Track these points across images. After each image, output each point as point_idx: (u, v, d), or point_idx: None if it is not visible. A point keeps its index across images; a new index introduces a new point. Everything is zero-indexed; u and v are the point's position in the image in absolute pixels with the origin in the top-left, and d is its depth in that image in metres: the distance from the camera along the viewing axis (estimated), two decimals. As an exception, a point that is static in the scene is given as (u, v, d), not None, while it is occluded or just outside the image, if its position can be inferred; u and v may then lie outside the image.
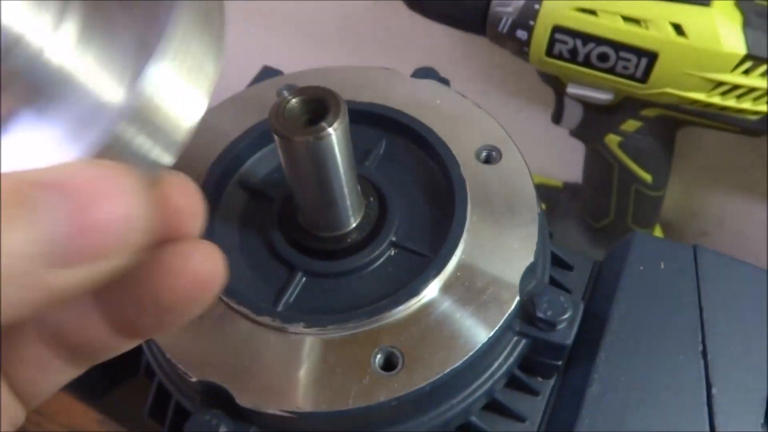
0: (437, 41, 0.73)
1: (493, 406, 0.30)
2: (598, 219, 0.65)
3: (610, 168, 0.59)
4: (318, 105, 0.25)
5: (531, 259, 0.29)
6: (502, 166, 0.31)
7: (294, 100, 0.25)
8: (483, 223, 0.30)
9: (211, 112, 0.35)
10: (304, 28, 0.83)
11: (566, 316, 0.28)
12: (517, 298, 0.27)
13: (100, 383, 0.38)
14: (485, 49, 0.70)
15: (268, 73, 0.41)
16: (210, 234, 0.30)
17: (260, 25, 0.85)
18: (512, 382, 0.31)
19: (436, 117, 0.33)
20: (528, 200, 0.30)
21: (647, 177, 0.58)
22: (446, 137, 0.32)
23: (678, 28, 0.46)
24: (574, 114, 0.58)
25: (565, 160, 0.73)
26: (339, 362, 0.26)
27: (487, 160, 0.32)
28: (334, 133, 0.25)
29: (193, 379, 0.26)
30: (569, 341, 0.28)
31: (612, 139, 0.57)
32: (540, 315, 0.28)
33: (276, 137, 0.25)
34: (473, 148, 0.32)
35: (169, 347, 0.27)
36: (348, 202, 0.29)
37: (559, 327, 0.28)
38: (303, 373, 0.26)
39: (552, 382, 0.32)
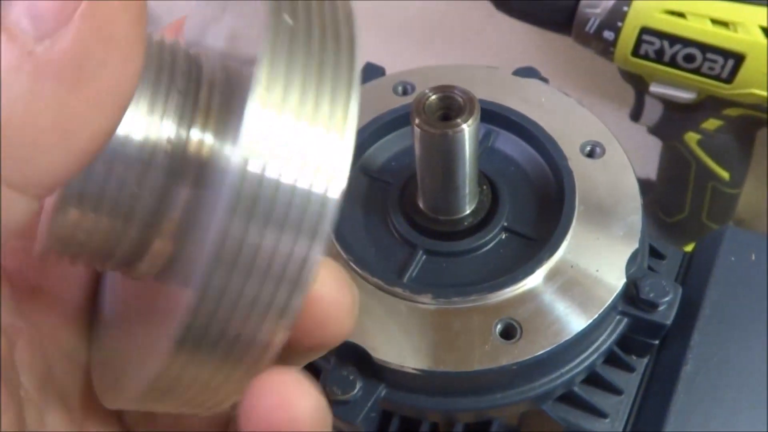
0: (512, 39, 0.75)
1: (593, 379, 0.33)
2: (672, 215, 0.66)
3: (687, 165, 0.61)
4: (453, 102, 0.29)
5: (636, 245, 0.31)
6: (606, 161, 0.34)
7: (433, 96, 0.29)
8: (589, 212, 0.32)
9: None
10: (386, 26, 0.86)
11: (667, 298, 0.31)
12: (624, 280, 0.30)
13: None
14: (563, 48, 0.72)
15: (370, 68, 0.44)
16: (341, 219, 0.34)
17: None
18: (610, 359, 0.34)
19: (541, 113, 0.36)
20: (631, 192, 0.33)
21: (725, 175, 0.60)
22: (552, 132, 0.35)
23: (766, 31, 0.48)
24: (653, 112, 0.60)
25: (640, 156, 0.75)
26: (463, 330, 0.30)
27: (591, 155, 0.35)
28: (468, 129, 0.28)
29: (335, 340, 0.30)
30: (669, 321, 0.31)
31: (691, 137, 0.58)
32: (643, 297, 0.31)
33: (416, 129, 0.29)
34: (578, 143, 0.35)
35: (310, 312, 0.31)
36: (467, 190, 0.32)
37: (661, 308, 0.31)
38: (431, 337, 0.29)
39: (646, 360, 0.35)
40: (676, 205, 0.65)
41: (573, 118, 0.36)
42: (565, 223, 0.32)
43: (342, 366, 0.30)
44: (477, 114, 0.28)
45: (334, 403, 0.30)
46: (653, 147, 0.67)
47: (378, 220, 0.35)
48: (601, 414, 0.33)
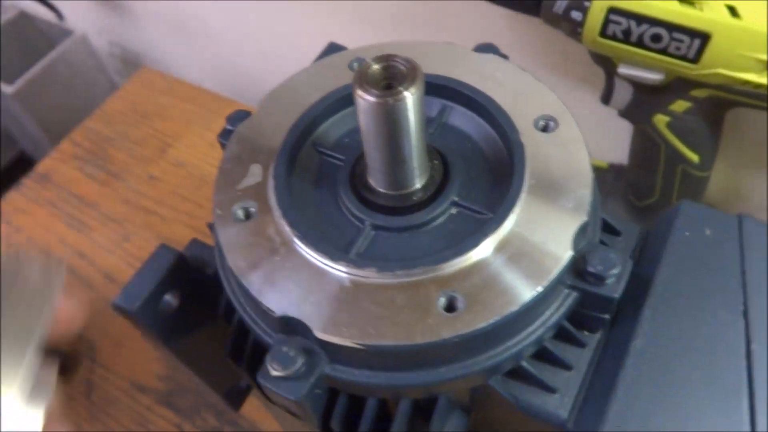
0: (488, 23, 0.75)
1: (542, 354, 0.33)
2: (642, 198, 0.66)
3: (657, 148, 0.61)
4: (396, 71, 0.28)
5: (584, 218, 0.31)
6: (559, 135, 0.34)
7: (375, 66, 0.28)
8: (539, 185, 0.32)
9: (288, 82, 0.38)
10: (360, 10, 0.85)
11: (615, 270, 0.30)
12: (570, 252, 0.30)
13: (177, 327, 0.41)
14: (535, 31, 0.72)
15: (334, 48, 0.44)
16: (287, 191, 0.33)
17: (321, 8, 0.88)
18: (561, 335, 0.33)
19: (496, 88, 0.36)
20: (582, 166, 0.33)
21: (694, 157, 0.59)
22: (506, 107, 0.35)
23: (732, 10, 0.47)
24: (623, 94, 0.60)
25: (611, 141, 0.75)
26: (406, 304, 0.29)
27: (545, 129, 0.34)
28: (410, 97, 0.28)
29: (276, 314, 0.30)
30: (617, 294, 0.31)
31: (660, 119, 0.58)
32: (590, 269, 0.30)
33: (357, 99, 0.28)
34: (531, 117, 0.34)
35: (254, 288, 0.31)
36: (416, 163, 0.31)
37: (609, 281, 0.31)
38: (374, 312, 0.29)
39: (598, 336, 0.35)
40: (647, 188, 0.65)
41: (528, 92, 0.36)
42: (514, 196, 0.31)
43: (284, 343, 0.30)
44: (420, 82, 0.28)
45: (277, 380, 0.30)
46: (626, 132, 0.67)
47: (328, 198, 0.35)
48: (550, 389, 0.33)
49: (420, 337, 0.28)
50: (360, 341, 0.29)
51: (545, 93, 0.36)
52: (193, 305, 0.42)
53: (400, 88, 0.27)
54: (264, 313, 0.31)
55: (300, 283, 0.30)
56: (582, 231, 0.31)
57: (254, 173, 0.34)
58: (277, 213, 0.32)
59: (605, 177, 0.74)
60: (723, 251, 0.35)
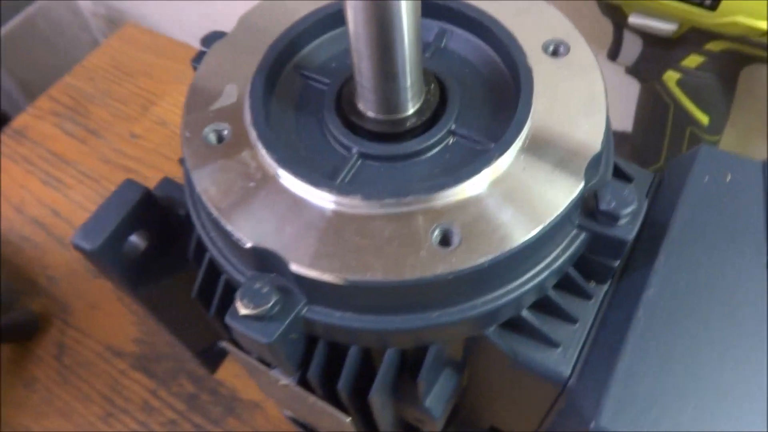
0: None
1: (545, 305, 0.30)
2: (647, 164, 0.63)
3: (665, 108, 0.57)
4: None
5: (597, 149, 0.27)
6: (571, 60, 0.30)
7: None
8: (547, 113, 0.29)
9: (270, -2, 0.34)
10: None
11: (630, 209, 0.27)
12: (581, 185, 0.27)
13: (146, 272, 0.38)
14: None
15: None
16: (265, 112, 0.30)
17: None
18: (566, 284, 0.30)
19: (501, 9, 0.32)
20: (596, 93, 0.29)
21: (704, 119, 0.56)
22: (512, 29, 0.31)
23: (755, -49, 0.44)
24: (632, 50, 0.56)
25: (615, 107, 0.71)
26: (395, 236, 0.26)
27: (555, 53, 0.31)
28: (404, -3, 0.24)
29: (248, 245, 0.26)
30: (631, 236, 0.27)
31: (671, 77, 0.54)
32: (603, 207, 0.27)
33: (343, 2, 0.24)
34: (540, 40, 0.31)
35: (224, 216, 0.27)
36: (408, 81, 0.28)
37: (622, 221, 0.27)
38: (358, 243, 0.26)
39: (606, 287, 0.31)
40: (652, 153, 0.61)
41: (536, 14, 0.32)
42: (519, 122, 0.28)
43: (257, 278, 0.27)
44: (415, -23, 0.24)
45: (246, 320, 0.26)
46: (631, 98, 0.63)
47: (311, 124, 0.31)
48: (552, 343, 0.30)
49: (411, 272, 0.25)
50: (341, 276, 0.25)
51: (555, 15, 0.32)
52: (163, 249, 0.38)
53: (393, -15, 0.24)
54: (236, 247, 0.28)
55: (276, 211, 0.27)
56: (594, 164, 0.28)
57: (229, 93, 0.31)
58: (252, 135, 0.29)
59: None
60: (745, 198, 0.32)
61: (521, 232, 0.25)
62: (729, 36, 0.49)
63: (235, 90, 0.31)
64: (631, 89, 0.61)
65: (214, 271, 0.31)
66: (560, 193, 0.26)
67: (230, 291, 0.31)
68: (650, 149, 0.61)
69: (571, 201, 0.26)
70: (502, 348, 0.30)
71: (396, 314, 0.27)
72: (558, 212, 0.26)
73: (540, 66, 0.30)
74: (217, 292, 0.31)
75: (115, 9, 1.28)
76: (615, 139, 0.70)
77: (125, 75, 0.99)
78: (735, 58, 0.51)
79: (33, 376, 0.70)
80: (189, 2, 1.12)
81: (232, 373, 0.69)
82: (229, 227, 0.27)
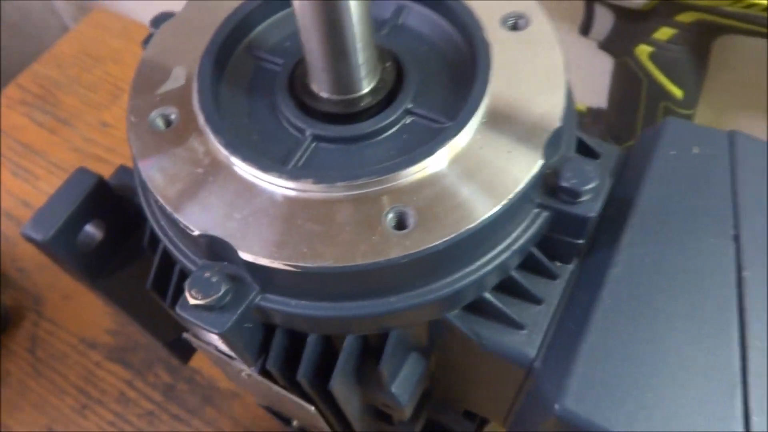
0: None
1: (508, 286, 0.29)
2: (622, 141, 0.62)
3: (638, 83, 0.56)
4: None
5: (556, 125, 0.27)
6: (530, 33, 0.29)
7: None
8: (505, 89, 0.28)
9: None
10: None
11: (592, 185, 0.26)
12: (540, 162, 0.26)
13: (104, 263, 0.37)
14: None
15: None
16: (214, 96, 0.28)
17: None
18: (530, 265, 0.29)
19: (459, -17, 0.31)
20: (555, 67, 0.28)
21: (678, 93, 0.55)
22: (469, 3, 0.30)
23: None
24: (603, 24, 0.55)
25: (590, 84, 0.70)
26: (348, 220, 0.25)
27: (514, 27, 0.30)
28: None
29: (195, 233, 0.25)
30: (593, 213, 0.27)
31: (643, 50, 0.54)
32: (563, 184, 0.26)
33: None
34: (499, 14, 0.30)
35: (171, 203, 0.26)
36: (361, 58, 0.27)
37: (584, 198, 0.27)
38: (310, 229, 0.25)
39: (571, 267, 0.31)
40: (627, 129, 0.61)
41: (495, -12, 0.31)
42: (475, 99, 0.27)
43: (207, 268, 0.26)
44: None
45: (197, 310, 0.25)
46: (605, 74, 0.62)
47: (264, 107, 0.30)
48: (517, 325, 0.29)
49: (363, 258, 0.24)
50: (293, 263, 0.24)
51: (516, -12, 0.31)
52: (120, 239, 0.37)
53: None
54: (186, 236, 0.27)
55: (225, 198, 0.26)
56: (555, 140, 0.27)
57: (177, 77, 0.29)
58: (200, 119, 0.27)
59: (584, 120, 0.70)
60: (712, 170, 0.31)
61: (478, 212, 0.25)
62: (699, 6, 0.48)
63: (183, 72, 0.29)
64: (605, 65, 0.60)
65: (168, 260, 0.30)
66: (519, 171, 0.26)
67: (185, 281, 0.30)
68: (625, 125, 0.61)
69: (530, 178, 0.25)
70: (465, 331, 0.29)
71: (352, 300, 0.26)
72: (516, 190, 0.25)
73: (498, 40, 0.29)
74: (172, 282, 0.30)
75: (84, -6, 1.24)
76: (590, 116, 0.69)
77: (95, 61, 0.97)
78: (706, 29, 0.50)
79: (6, 370, 0.69)
80: (158, -15, 1.09)
81: (208, 362, 0.68)
82: (176, 215, 0.26)
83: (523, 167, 0.26)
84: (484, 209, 0.25)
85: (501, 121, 0.27)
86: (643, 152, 0.32)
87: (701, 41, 0.52)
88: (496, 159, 0.26)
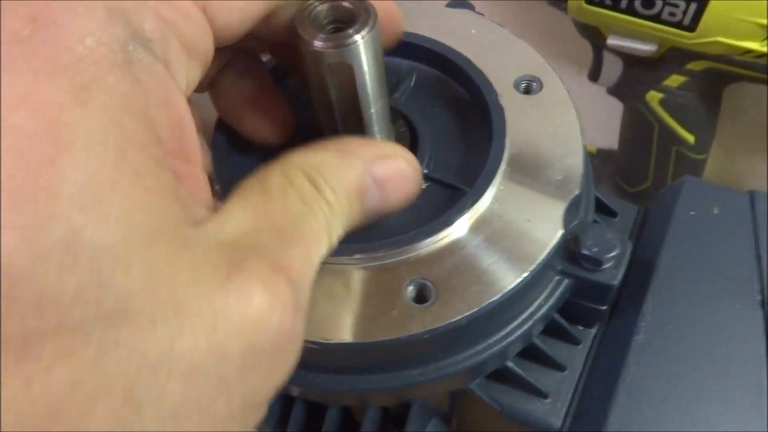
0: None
1: (531, 353, 0.28)
2: (634, 184, 0.62)
3: (650, 128, 0.56)
4: (344, 11, 0.23)
5: (576, 191, 0.26)
6: (543, 97, 0.29)
7: (321, 6, 0.23)
8: (522, 154, 0.27)
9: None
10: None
11: (613, 253, 0.26)
12: (561, 231, 0.25)
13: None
14: (514, 4, 0.67)
15: None
16: (228, 165, 0.28)
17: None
18: (552, 330, 0.29)
19: (470, 47, 0.31)
20: (571, 132, 0.28)
21: (690, 138, 0.55)
22: (482, 67, 0.30)
23: (731, -30, 0.43)
24: (612, 70, 0.56)
25: (599, 125, 0.70)
26: (367, 293, 0.24)
27: (527, 91, 0.30)
28: (362, 42, 0.23)
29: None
30: (616, 282, 0.26)
31: (653, 96, 0.54)
32: (584, 252, 0.26)
33: (300, 46, 0.23)
34: (511, 78, 0.30)
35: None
36: (376, 128, 0.27)
37: (606, 266, 0.26)
38: (327, 303, 0.24)
39: (594, 331, 0.30)
40: (639, 173, 0.61)
41: (507, 51, 0.31)
42: (493, 166, 0.26)
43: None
44: (373, 24, 0.23)
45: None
46: (615, 116, 0.62)
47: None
48: (540, 393, 0.28)
49: (383, 333, 0.23)
50: (310, 338, 0.24)
51: (527, 51, 0.31)
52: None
53: (350, 32, 0.23)
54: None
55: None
56: (573, 207, 0.26)
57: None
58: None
59: (593, 162, 0.69)
60: (734, 232, 0.30)
61: (501, 284, 0.24)
62: (710, 55, 0.48)
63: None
64: (615, 105, 0.60)
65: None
66: (540, 240, 0.25)
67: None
68: (637, 169, 0.60)
69: (551, 249, 0.25)
70: (488, 400, 0.28)
71: (372, 373, 0.25)
72: (537, 261, 0.25)
73: (512, 104, 0.29)
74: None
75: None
76: (600, 157, 0.69)
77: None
78: (717, 76, 0.50)
79: None
80: None
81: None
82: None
83: (544, 236, 0.25)
84: (507, 280, 0.24)
85: (518, 190, 0.26)
86: (662, 212, 0.32)
87: (712, 88, 0.52)
88: (516, 227, 0.25)
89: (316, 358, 0.25)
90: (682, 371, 0.27)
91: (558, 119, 0.28)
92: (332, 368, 0.26)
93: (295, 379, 0.25)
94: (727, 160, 0.65)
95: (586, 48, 0.56)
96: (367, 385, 0.26)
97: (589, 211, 0.29)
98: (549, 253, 0.25)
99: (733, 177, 0.68)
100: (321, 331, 0.24)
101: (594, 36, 0.52)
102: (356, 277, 0.25)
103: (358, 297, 0.24)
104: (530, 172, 0.27)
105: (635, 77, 0.54)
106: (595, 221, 0.30)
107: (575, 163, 0.27)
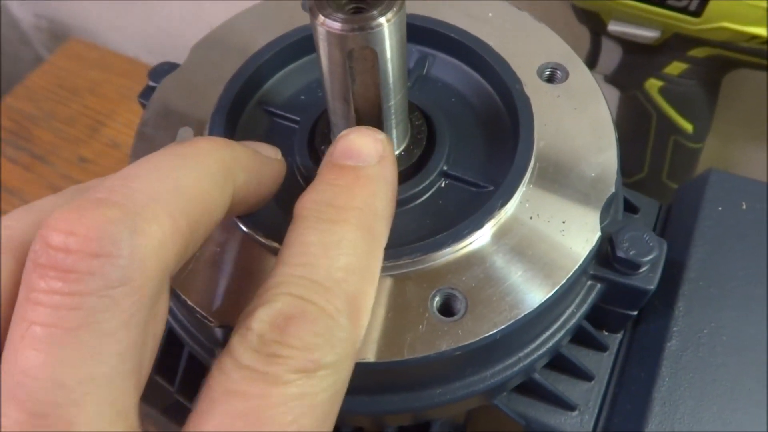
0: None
1: (557, 362, 0.26)
2: (629, 174, 0.60)
3: (647, 117, 0.55)
4: (370, -7, 0.21)
5: (612, 189, 0.24)
6: (570, 85, 0.27)
7: (341, -17, 0.20)
8: (551, 149, 0.25)
9: (227, 24, 0.30)
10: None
11: (651, 256, 0.24)
12: (598, 234, 0.23)
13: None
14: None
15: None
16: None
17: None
18: (578, 337, 0.27)
19: (489, 31, 0.28)
20: (603, 123, 0.26)
21: (688, 127, 0.54)
22: (502, 53, 0.28)
23: (741, -48, 0.42)
24: (611, 57, 0.54)
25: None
26: (390, 307, 0.22)
27: (551, 79, 0.27)
28: (387, 26, 0.20)
29: (215, 324, 0.22)
30: (653, 286, 0.24)
31: (653, 84, 0.52)
32: (621, 255, 0.24)
33: (316, 28, 0.20)
34: (535, 65, 0.27)
35: (185, 290, 0.23)
36: (394, 120, 0.24)
37: (643, 269, 0.24)
38: (346, 318, 0.22)
39: (620, 337, 0.28)
40: (635, 163, 0.59)
41: (529, 36, 0.29)
42: (521, 164, 0.24)
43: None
44: (401, 5, 0.20)
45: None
46: (611, 103, 0.61)
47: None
48: (568, 406, 0.26)
49: (410, 351, 0.21)
50: (328, 359, 0.21)
51: (549, 36, 0.29)
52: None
53: (375, 13, 0.20)
54: (201, 323, 0.23)
55: (248, 282, 0.23)
56: (608, 206, 0.24)
57: (184, 138, 0.26)
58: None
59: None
60: (764, 228, 0.29)
61: (535, 295, 0.22)
62: (714, 42, 0.46)
63: (190, 134, 0.26)
64: (609, 94, 0.59)
65: (174, 342, 0.27)
66: (574, 245, 0.23)
67: (194, 364, 0.27)
68: (633, 159, 0.59)
69: (588, 254, 0.23)
70: (513, 416, 0.26)
71: (392, 394, 0.23)
72: (575, 268, 0.23)
73: (537, 94, 0.26)
74: (181, 366, 0.27)
75: (58, 23, 1.21)
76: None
77: (71, 94, 0.93)
78: (719, 64, 0.49)
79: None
80: (138, 15, 1.06)
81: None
82: (193, 304, 0.22)
83: (579, 240, 0.23)
84: (541, 292, 0.22)
85: (550, 186, 0.24)
86: (687, 208, 0.30)
87: (713, 75, 0.51)
88: (549, 231, 0.23)
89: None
90: (721, 380, 0.25)
91: (589, 110, 0.26)
92: (348, 389, 0.23)
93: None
94: (720, 147, 0.64)
95: (581, 35, 0.54)
96: (385, 407, 0.23)
97: (619, 208, 0.27)
98: (585, 260, 0.23)
99: (728, 165, 0.67)
100: (339, 349, 0.21)
101: (594, 22, 0.50)
102: (379, 288, 0.22)
103: (380, 309, 0.22)
104: (562, 169, 0.25)
105: (635, 64, 0.52)
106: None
107: (610, 157, 0.25)
